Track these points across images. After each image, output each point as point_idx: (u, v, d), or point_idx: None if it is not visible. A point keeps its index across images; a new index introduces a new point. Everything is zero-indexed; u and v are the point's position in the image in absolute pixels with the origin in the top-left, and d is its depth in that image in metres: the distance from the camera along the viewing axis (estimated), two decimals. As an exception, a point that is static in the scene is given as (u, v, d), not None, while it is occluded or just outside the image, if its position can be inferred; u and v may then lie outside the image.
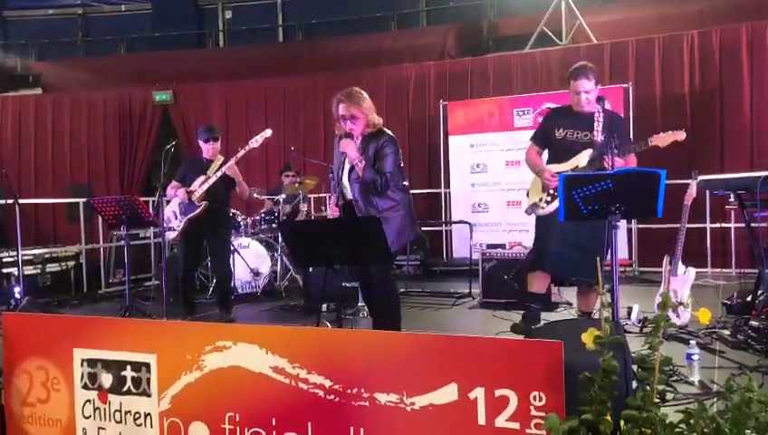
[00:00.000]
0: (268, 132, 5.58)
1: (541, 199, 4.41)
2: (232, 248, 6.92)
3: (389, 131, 4.14)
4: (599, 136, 4.22)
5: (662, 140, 4.03)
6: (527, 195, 4.58)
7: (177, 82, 10.62)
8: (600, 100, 4.32)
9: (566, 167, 4.29)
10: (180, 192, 5.61)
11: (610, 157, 3.92)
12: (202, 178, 5.61)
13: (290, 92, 10.23)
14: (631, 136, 7.22)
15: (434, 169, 9.11)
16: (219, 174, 5.51)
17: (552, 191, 4.29)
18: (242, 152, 5.48)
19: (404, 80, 9.50)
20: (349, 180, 4.13)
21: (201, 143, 5.76)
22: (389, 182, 4.00)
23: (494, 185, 8.40)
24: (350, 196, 4.16)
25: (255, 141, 5.51)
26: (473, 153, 8.57)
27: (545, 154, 4.59)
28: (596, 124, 4.24)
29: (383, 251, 3.69)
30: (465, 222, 7.67)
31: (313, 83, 10.10)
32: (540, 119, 7.83)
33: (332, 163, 4.36)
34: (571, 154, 4.30)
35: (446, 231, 8.86)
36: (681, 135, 3.99)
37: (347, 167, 4.14)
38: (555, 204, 4.18)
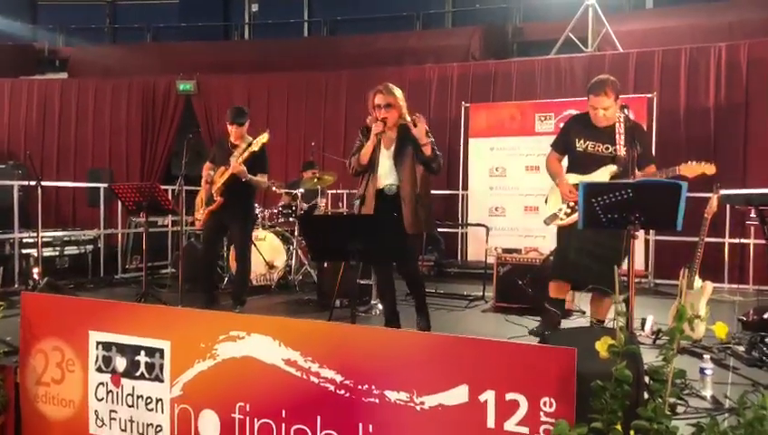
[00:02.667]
0: (264, 137, 5.56)
1: (560, 210, 4.39)
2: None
3: None
4: (621, 150, 4.15)
5: (691, 169, 3.96)
6: (545, 201, 4.56)
7: (201, 72, 10.69)
8: (622, 108, 4.27)
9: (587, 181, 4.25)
10: (208, 178, 5.67)
11: (632, 175, 3.87)
12: (222, 169, 5.64)
13: (312, 87, 10.27)
14: (653, 147, 7.18)
15: (453, 171, 9.10)
16: (230, 172, 5.50)
17: (572, 204, 4.26)
18: (246, 153, 5.49)
19: (427, 80, 9.49)
20: (396, 168, 4.41)
21: (228, 125, 5.77)
22: (441, 165, 4.47)
23: (512, 189, 8.37)
24: (384, 184, 4.44)
25: (255, 143, 5.52)
26: (492, 156, 8.55)
27: (565, 160, 4.57)
28: (618, 137, 4.17)
29: (399, 249, 3.74)
30: (482, 225, 7.66)
31: (336, 79, 10.13)
32: (561, 125, 7.86)
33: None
34: (593, 167, 4.25)
35: (461, 233, 8.84)
36: (711, 169, 3.89)
37: (384, 154, 4.44)
38: (575, 216, 4.14)
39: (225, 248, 7.27)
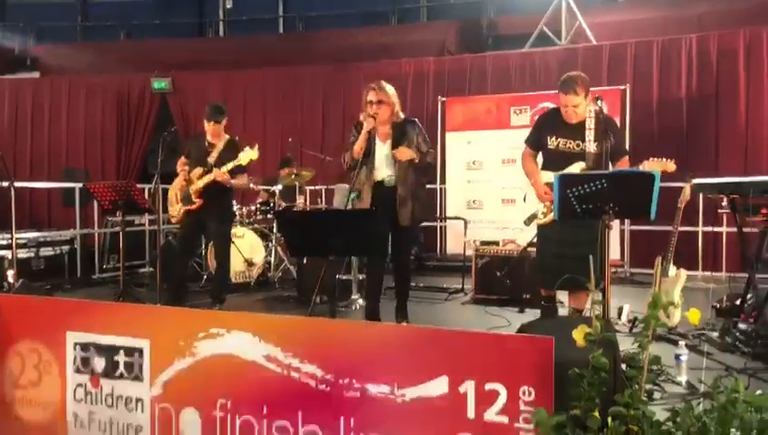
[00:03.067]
0: (254, 154, 5.50)
1: (538, 210, 4.41)
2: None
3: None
4: (590, 145, 4.20)
5: (651, 165, 4.02)
6: (524, 199, 4.57)
7: (176, 70, 10.59)
8: (595, 99, 4.29)
9: None
10: (180, 177, 5.59)
11: (606, 168, 3.94)
12: (200, 170, 5.56)
13: (289, 83, 10.22)
14: (627, 139, 7.25)
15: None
16: (212, 177, 5.44)
17: (547, 204, 4.30)
18: (231, 165, 5.44)
19: (403, 75, 9.49)
20: (392, 163, 4.59)
21: (205, 122, 5.71)
22: (433, 163, 4.84)
23: (489, 182, 8.42)
24: (381, 176, 4.60)
25: (243, 157, 5.47)
26: (469, 150, 8.59)
27: (540, 158, 4.60)
28: (587, 132, 4.21)
29: (377, 244, 3.76)
30: (460, 218, 7.70)
31: (312, 75, 10.09)
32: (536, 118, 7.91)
33: (327, 156, 4.66)
34: (564, 164, 4.27)
35: (440, 226, 8.88)
36: (671, 166, 3.96)
37: (380, 148, 4.60)
38: (551, 216, 4.21)
39: (203, 246, 7.23)
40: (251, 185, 7.53)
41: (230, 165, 5.43)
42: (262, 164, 10.02)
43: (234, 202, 6.35)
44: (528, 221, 4.48)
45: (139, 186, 5.98)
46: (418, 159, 4.58)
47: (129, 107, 10.68)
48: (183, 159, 5.72)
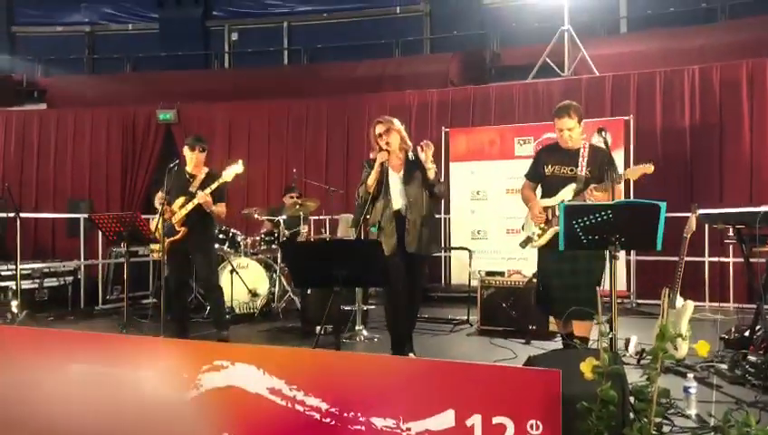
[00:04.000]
0: (239, 168, 5.52)
1: (533, 233, 4.56)
2: (230, 268, 6.94)
3: None
4: (583, 170, 4.42)
5: (632, 172, 4.27)
6: (522, 228, 4.69)
7: (182, 101, 10.69)
8: (600, 131, 4.37)
9: (553, 201, 4.50)
10: (165, 211, 5.57)
11: (589, 190, 4.24)
12: (182, 199, 5.55)
13: (293, 115, 10.30)
14: (630, 166, 7.26)
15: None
16: (195, 202, 5.45)
17: (542, 226, 4.52)
18: (215, 184, 5.46)
19: (406, 106, 9.56)
20: (405, 189, 4.67)
21: (185, 151, 5.72)
22: (443, 190, 4.84)
23: (493, 212, 8.43)
24: (397, 206, 4.67)
25: (228, 174, 5.49)
26: (473, 180, 8.61)
27: (540, 189, 4.72)
28: (581, 160, 4.44)
29: (382, 275, 3.76)
30: (465, 248, 7.68)
31: (317, 107, 10.18)
32: (539, 148, 7.93)
33: (331, 186, 4.70)
34: (559, 188, 4.49)
35: (444, 257, 8.86)
36: (649, 168, 4.15)
37: (394, 178, 4.71)
38: (547, 236, 4.47)
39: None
40: (255, 215, 7.58)
41: (215, 184, 5.43)
42: (266, 194, 10.14)
43: (215, 229, 6.32)
44: (524, 244, 4.65)
45: (143, 217, 6.00)
46: (433, 178, 4.64)
47: (135, 138, 10.75)
48: (161, 194, 5.65)
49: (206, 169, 5.69)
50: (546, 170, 4.55)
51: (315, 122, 10.14)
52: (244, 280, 7.03)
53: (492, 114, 9.13)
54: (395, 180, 4.72)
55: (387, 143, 4.68)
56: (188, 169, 5.68)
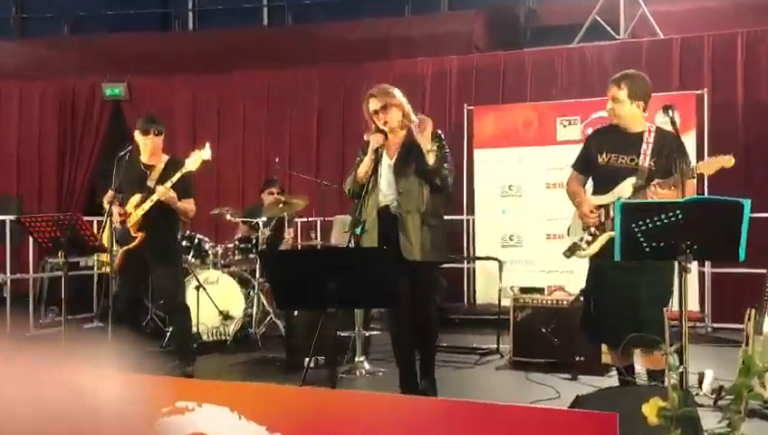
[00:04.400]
0: (206, 153, 5.52)
1: (581, 239, 4.49)
2: (196, 284, 6.94)
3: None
4: (646, 160, 4.37)
5: (707, 166, 4.22)
6: (567, 233, 4.67)
7: (134, 72, 10.72)
8: (665, 109, 4.38)
9: (608, 199, 4.44)
10: (115, 213, 5.57)
11: (653, 187, 4.21)
12: (138, 197, 5.56)
13: (274, 89, 10.33)
14: (705, 155, 7.26)
15: (454, 191, 9.09)
16: (155, 199, 5.45)
17: (593, 229, 4.46)
18: (176, 175, 5.46)
19: (419, 77, 9.58)
20: (396, 179, 4.61)
21: (137, 137, 5.72)
22: (450, 183, 4.69)
23: (530, 212, 8.42)
24: (387, 200, 4.63)
25: (191, 162, 5.48)
26: (504, 172, 8.62)
27: (591, 183, 4.71)
28: (644, 147, 4.38)
29: (390, 294, 3.75)
30: (493, 258, 7.67)
31: (305, 79, 10.20)
32: (589, 131, 7.91)
33: (324, 179, 4.65)
34: (615, 182, 4.43)
35: (467, 269, 8.86)
36: (729, 161, 4.08)
37: (387, 164, 4.65)
38: (600, 242, 4.42)
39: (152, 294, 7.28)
40: (228, 216, 7.59)
41: (176, 175, 5.42)
42: (240, 190, 10.17)
43: (179, 234, 6.32)
44: (569, 252, 4.59)
45: (86, 218, 6.00)
46: (433, 164, 4.54)
47: (75, 119, 10.79)
48: (111, 192, 5.65)
49: (165, 158, 5.70)
50: (600, 159, 4.51)
51: (303, 99, 10.18)
52: (214, 299, 7.03)
53: (527, 88, 9.13)
54: (386, 168, 4.68)
55: (384, 122, 4.62)
56: (143, 158, 5.69)
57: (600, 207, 4.46)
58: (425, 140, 4.55)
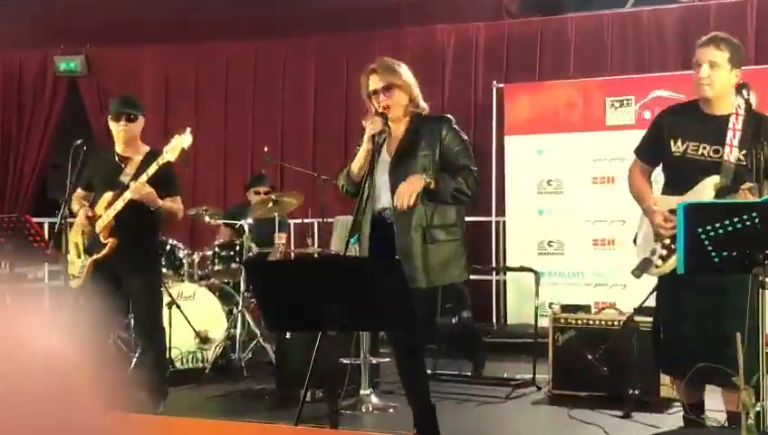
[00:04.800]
0: (186, 139, 5.47)
1: (653, 252, 4.35)
2: (167, 300, 6.94)
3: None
4: (732, 152, 4.22)
5: None
6: (634, 240, 4.55)
7: (92, 42, 10.72)
8: (740, 88, 4.30)
9: (687, 201, 4.24)
10: (81, 215, 5.56)
11: (744, 190, 4.02)
12: (109, 195, 5.54)
13: (263, 63, 10.35)
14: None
15: (481, 187, 9.09)
16: (128, 197, 5.41)
17: (667, 241, 4.27)
18: (153, 168, 5.42)
19: (438, 48, 9.58)
20: (393, 183, 4.50)
21: (110, 124, 5.71)
22: (477, 178, 4.59)
23: (573, 213, 8.41)
24: (382, 204, 4.57)
25: (169, 152, 5.45)
26: (542, 163, 8.60)
27: (657, 174, 4.62)
28: (729, 134, 4.22)
29: (405, 314, 3.73)
30: (528, 269, 7.65)
31: (300, 50, 10.22)
32: (646, 114, 7.88)
33: (322, 174, 4.63)
34: (691, 179, 4.30)
35: (496, 282, 8.84)
36: None
37: (382, 163, 4.59)
38: (674, 260, 4.14)
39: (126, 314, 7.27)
40: (206, 218, 7.59)
41: (152, 168, 5.38)
42: (221, 186, 10.17)
43: (158, 242, 6.32)
44: (638, 271, 4.44)
45: (35, 220, 6.03)
46: (439, 186, 4.44)
47: (22, 99, 10.83)
48: (80, 191, 5.65)
49: (145, 149, 5.67)
50: (674, 148, 4.35)
51: (297, 74, 10.19)
52: (189, 318, 7.03)
53: (570, 60, 9.11)
54: (382, 166, 4.61)
55: (386, 107, 4.54)
56: (117, 149, 5.68)
57: (674, 211, 4.24)
58: (411, 187, 4.35)
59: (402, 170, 4.51)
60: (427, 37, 9.68)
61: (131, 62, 10.73)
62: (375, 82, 4.59)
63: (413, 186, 4.36)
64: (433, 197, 4.46)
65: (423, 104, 4.67)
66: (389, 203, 4.51)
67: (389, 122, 4.55)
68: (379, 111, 4.54)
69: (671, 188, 4.44)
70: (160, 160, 5.42)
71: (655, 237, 4.35)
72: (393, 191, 4.46)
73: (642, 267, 4.39)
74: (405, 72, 4.65)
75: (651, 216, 4.36)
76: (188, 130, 5.55)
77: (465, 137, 4.66)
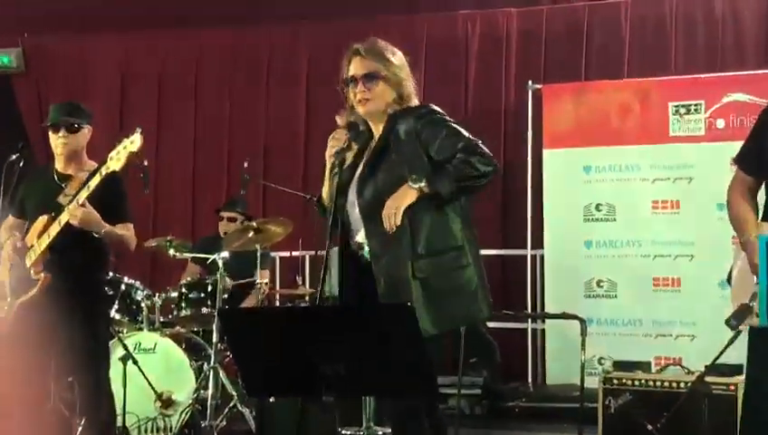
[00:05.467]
0: (135, 141, 5.34)
1: (752, 303, 4.27)
2: (121, 353, 6.94)
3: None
4: None
5: None
6: (728, 279, 4.47)
7: (30, 31, 10.77)
8: None
9: None
10: (8, 245, 5.54)
11: None
12: (44, 220, 5.48)
13: (244, 55, 10.41)
14: None
15: (512, 212, 9.11)
16: (63, 221, 5.35)
17: None
18: (94, 181, 5.35)
19: (459, 39, 9.63)
20: (359, 200, 4.35)
21: (50, 135, 5.67)
22: (483, 150, 4.26)
23: (629, 246, 8.40)
24: (361, 237, 4.39)
25: (115, 158, 5.36)
26: (589, 184, 8.60)
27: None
28: None
29: (421, 373, 3.71)
30: (573, 316, 7.62)
31: (288, 40, 10.29)
32: (719, 123, 7.89)
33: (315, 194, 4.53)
34: None
35: (533, 331, 8.83)
36: None
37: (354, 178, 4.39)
38: None
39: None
40: (171, 251, 7.58)
41: (93, 181, 5.29)
42: (190, 210, 10.15)
43: (103, 280, 6.30)
44: (735, 321, 4.31)
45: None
46: (436, 187, 4.20)
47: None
48: (11, 218, 5.66)
49: (92, 165, 5.64)
50: None
51: (285, 71, 10.22)
52: (149, 376, 7.02)
53: (624, 55, 9.14)
54: (354, 181, 4.44)
55: (361, 100, 4.39)
56: (57, 165, 5.68)
57: None
58: (397, 204, 4.15)
59: (370, 186, 4.38)
60: (446, 26, 9.73)
61: (79, 57, 10.76)
62: (356, 68, 4.43)
63: (397, 201, 4.17)
64: (439, 202, 4.25)
65: (414, 99, 4.49)
66: (362, 238, 4.42)
67: (366, 118, 4.45)
68: (353, 104, 4.43)
69: None
70: (104, 170, 5.28)
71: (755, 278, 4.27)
72: (364, 214, 4.37)
73: (740, 316, 4.23)
74: (398, 61, 4.46)
75: (749, 253, 4.22)
76: (138, 131, 5.36)
77: (448, 118, 4.40)
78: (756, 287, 4.15)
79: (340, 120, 4.49)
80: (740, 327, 4.26)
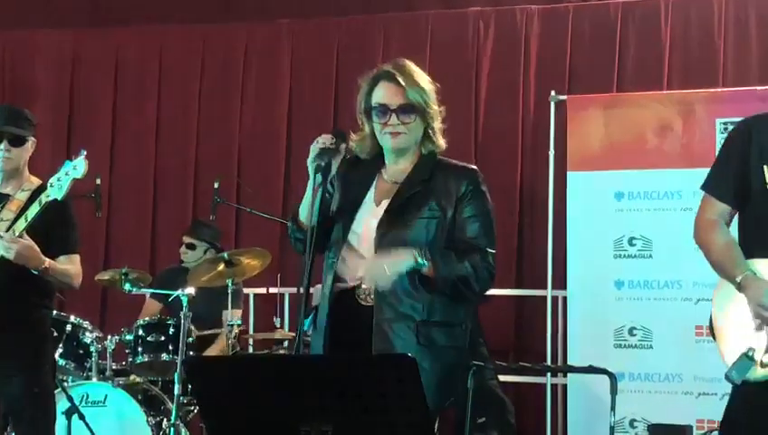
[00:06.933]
0: (79, 167, 5.31)
1: (751, 351, 4.31)
2: (66, 406, 6.93)
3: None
4: None
5: None
6: (710, 327, 4.52)
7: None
8: None
9: None
10: None
11: None
12: None
13: (215, 55, 10.44)
14: None
15: (529, 246, 9.12)
16: None
17: None
18: (33, 210, 5.35)
19: (469, 40, 9.67)
20: (379, 247, 4.39)
21: None
22: (493, 269, 4.42)
23: (668, 287, 8.42)
24: (359, 278, 4.42)
25: (56, 186, 5.33)
26: (621, 214, 8.62)
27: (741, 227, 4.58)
28: None
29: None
30: (602, 371, 7.64)
31: (269, 37, 10.34)
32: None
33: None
34: None
35: (553, 387, 8.84)
36: None
37: (368, 215, 4.48)
38: None
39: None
40: (126, 287, 7.58)
41: (32, 210, 5.32)
42: (149, 242, 10.15)
43: (46, 322, 6.30)
44: (737, 374, 4.39)
45: None
46: (438, 271, 4.34)
47: None
48: None
49: (35, 183, 5.67)
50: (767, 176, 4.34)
51: (265, 72, 10.28)
52: (98, 433, 7.01)
53: (664, 63, 9.17)
54: (370, 215, 4.54)
55: (393, 134, 4.44)
56: None
57: None
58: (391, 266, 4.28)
59: (400, 233, 4.43)
60: (455, 23, 9.79)
61: (21, 54, 10.79)
62: (388, 95, 4.44)
63: (395, 266, 4.26)
64: (425, 284, 4.36)
65: (441, 142, 4.58)
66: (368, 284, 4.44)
67: (391, 153, 4.52)
68: (382, 141, 4.50)
69: (760, 245, 4.35)
70: (43, 198, 5.29)
71: (756, 324, 4.30)
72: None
73: (741, 367, 4.32)
74: (430, 88, 4.50)
75: (751, 296, 4.27)
76: (83, 154, 5.36)
77: (492, 205, 4.52)
78: (755, 335, 4.21)
79: (353, 142, 4.57)
80: (739, 381, 4.27)
